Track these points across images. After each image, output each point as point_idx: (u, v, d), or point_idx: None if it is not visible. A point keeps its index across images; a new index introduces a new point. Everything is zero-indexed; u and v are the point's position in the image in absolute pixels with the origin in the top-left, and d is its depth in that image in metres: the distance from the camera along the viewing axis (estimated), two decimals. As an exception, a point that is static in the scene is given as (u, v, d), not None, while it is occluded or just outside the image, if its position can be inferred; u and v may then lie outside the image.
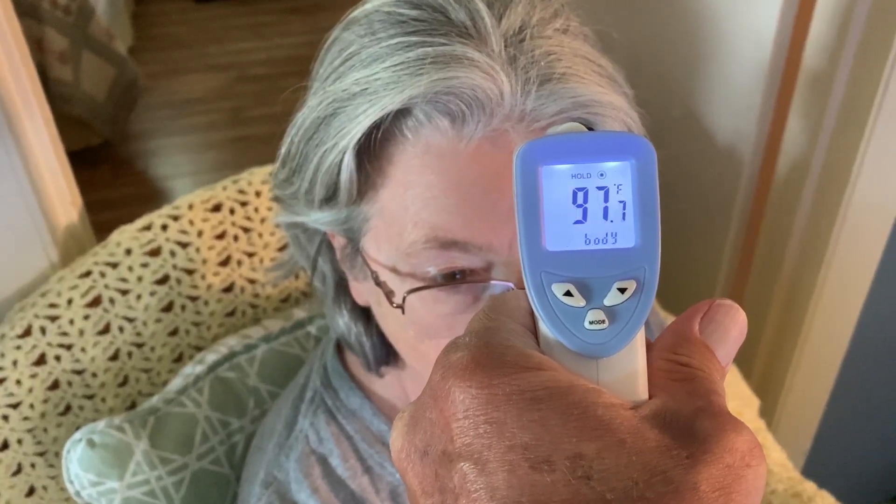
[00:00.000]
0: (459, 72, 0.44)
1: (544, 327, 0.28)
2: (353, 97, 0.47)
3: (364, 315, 0.59)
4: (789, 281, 1.10)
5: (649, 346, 0.28)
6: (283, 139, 0.54)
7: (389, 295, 0.50)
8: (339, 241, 0.56)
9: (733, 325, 0.28)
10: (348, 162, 0.48)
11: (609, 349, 0.27)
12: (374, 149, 0.48)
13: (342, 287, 0.60)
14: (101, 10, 2.50)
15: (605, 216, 0.27)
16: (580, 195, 0.28)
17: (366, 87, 0.47)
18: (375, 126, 0.47)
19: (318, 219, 0.52)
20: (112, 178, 2.45)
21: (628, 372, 0.27)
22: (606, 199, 0.27)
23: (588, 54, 0.48)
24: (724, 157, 1.11)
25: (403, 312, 0.50)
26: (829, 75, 0.94)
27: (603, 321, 0.27)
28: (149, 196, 2.38)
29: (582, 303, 0.27)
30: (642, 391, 0.27)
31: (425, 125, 0.46)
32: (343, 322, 0.60)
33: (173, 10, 3.43)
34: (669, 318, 0.97)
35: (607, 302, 0.27)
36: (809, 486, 0.90)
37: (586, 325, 0.27)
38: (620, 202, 0.27)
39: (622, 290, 0.27)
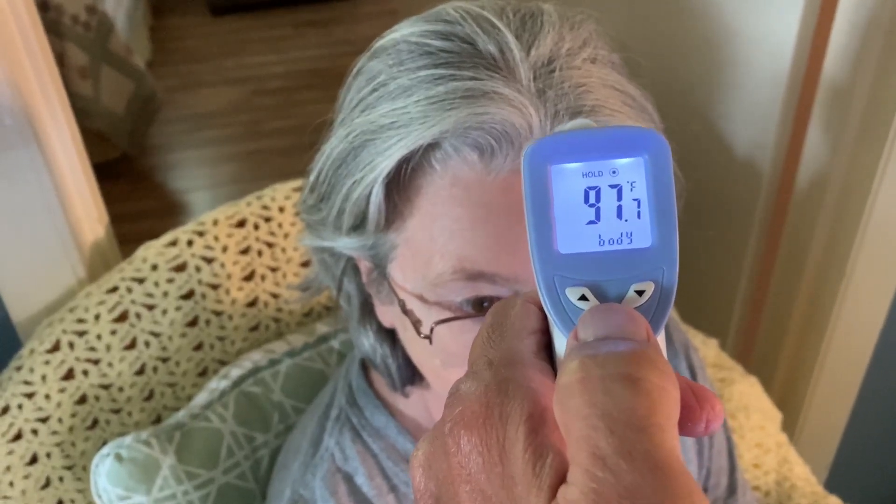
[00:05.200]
0: (489, 107, 0.45)
1: (559, 336, 0.27)
2: (382, 130, 0.47)
3: (390, 337, 0.60)
4: (810, 293, 1.10)
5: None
6: (311, 166, 0.55)
7: (417, 324, 0.51)
8: (365, 266, 0.56)
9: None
10: (377, 193, 0.48)
11: None
12: (402, 180, 0.48)
13: (368, 308, 0.60)
14: (119, 24, 2.53)
15: (619, 215, 0.26)
16: (592, 194, 0.27)
17: (395, 121, 0.47)
18: (405, 160, 0.47)
19: (345, 245, 0.53)
20: (131, 191, 2.47)
21: None
22: (620, 198, 0.26)
23: (617, 83, 0.48)
24: (743, 169, 1.11)
25: (431, 343, 0.50)
26: (850, 86, 0.94)
27: None
28: (167, 209, 2.40)
29: None
30: None
31: (453, 157, 0.47)
32: (369, 343, 0.60)
33: (190, 24, 3.46)
34: (690, 332, 0.97)
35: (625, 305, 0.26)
36: (833, 501, 0.89)
37: None
38: (635, 200, 0.26)
39: (640, 293, 0.26)
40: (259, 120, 2.79)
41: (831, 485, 1.10)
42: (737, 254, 1.17)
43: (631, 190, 0.26)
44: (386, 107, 0.48)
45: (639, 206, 0.26)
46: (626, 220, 0.26)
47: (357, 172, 0.49)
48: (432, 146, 0.47)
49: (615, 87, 0.48)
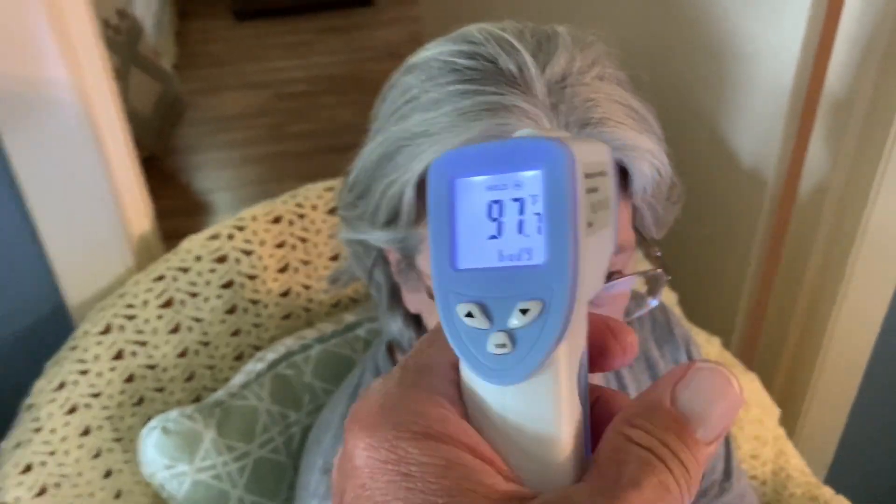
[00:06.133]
0: (509, 118, 0.51)
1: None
2: (415, 137, 0.54)
3: (416, 321, 0.66)
4: (811, 296, 1.15)
5: (610, 415, 0.25)
6: (350, 166, 0.61)
7: None
8: (394, 256, 0.62)
9: (718, 396, 0.24)
10: (409, 193, 0.55)
11: (513, 376, 0.25)
12: None
13: (396, 296, 0.66)
14: (147, 28, 2.61)
15: (521, 230, 0.25)
16: (496, 208, 0.25)
17: (426, 129, 0.54)
18: None
19: (379, 237, 0.59)
20: (156, 191, 2.51)
21: (540, 406, 0.25)
22: (522, 212, 0.25)
23: (622, 98, 0.54)
24: (749, 177, 1.16)
25: None
26: (850, 101, 0.99)
27: (505, 345, 0.25)
28: (191, 209, 2.47)
29: (486, 325, 0.25)
30: (561, 432, 0.25)
31: None
32: (397, 327, 0.67)
33: (215, 28, 3.55)
34: (694, 330, 1.03)
35: (510, 324, 0.25)
36: (827, 491, 0.95)
37: (490, 348, 0.25)
38: (536, 214, 0.25)
39: (524, 311, 0.24)
40: (281, 123, 2.86)
41: (831, 482, 1.14)
42: (742, 258, 1.22)
43: (533, 204, 0.25)
44: (418, 117, 0.54)
45: (539, 220, 0.25)
46: (528, 236, 0.25)
47: (392, 174, 0.56)
48: None
49: (620, 102, 0.54)
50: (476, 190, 0.26)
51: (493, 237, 0.25)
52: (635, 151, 0.54)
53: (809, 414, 1.24)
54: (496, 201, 0.25)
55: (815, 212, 1.09)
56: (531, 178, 0.25)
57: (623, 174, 0.56)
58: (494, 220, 0.25)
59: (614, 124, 0.53)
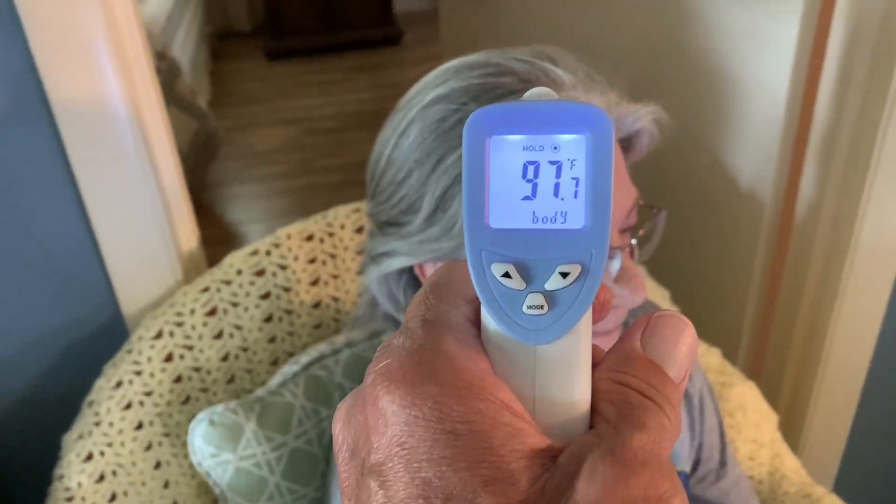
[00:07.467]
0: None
1: (484, 310, 0.26)
2: None
3: None
4: (811, 310, 1.21)
5: (595, 367, 0.26)
6: (387, 194, 0.68)
7: None
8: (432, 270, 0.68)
9: (679, 338, 0.26)
10: None
11: (547, 336, 0.25)
12: None
13: None
14: (184, 68, 2.75)
15: (556, 193, 0.25)
16: (531, 169, 0.25)
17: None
18: None
19: (431, 237, 0.65)
20: (192, 222, 2.66)
21: (568, 365, 0.26)
22: (559, 175, 0.25)
23: (609, 90, 0.66)
24: (748, 200, 1.24)
25: None
26: (837, 129, 1.07)
27: (542, 306, 0.25)
28: (226, 239, 2.58)
29: (522, 285, 0.25)
30: (583, 388, 0.26)
31: None
32: None
33: (248, 68, 3.70)
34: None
35: (548, 286, 0.25)
36: (819, 489, 1.01)
37: (524, 309, 0.25)
38: (573, 179, 0.25)
39: (564, 275, 0.25)
40: (310, 158, 2.97)
41: (837, 491, 1.19)
42: (744, 276, 1.29)
43: (571, 168, 0.25)
44: None
45: (577, 185, 0.25)
46: (563, 199, 0.25)
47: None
48: None
49: (612, 92, 0.66)
50: (511, 149, 0.26)
51: (527, 198, 0.26)
52: (643, 111, 0.65)
53: (814, 423, 1.30)
54: (532, 162, 0.25)
55: (811, 230, 1.16)
56: (571, 142, 0.25)
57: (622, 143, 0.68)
58: (529, 181, 0.26)
59: (627, 104, 0.65)
